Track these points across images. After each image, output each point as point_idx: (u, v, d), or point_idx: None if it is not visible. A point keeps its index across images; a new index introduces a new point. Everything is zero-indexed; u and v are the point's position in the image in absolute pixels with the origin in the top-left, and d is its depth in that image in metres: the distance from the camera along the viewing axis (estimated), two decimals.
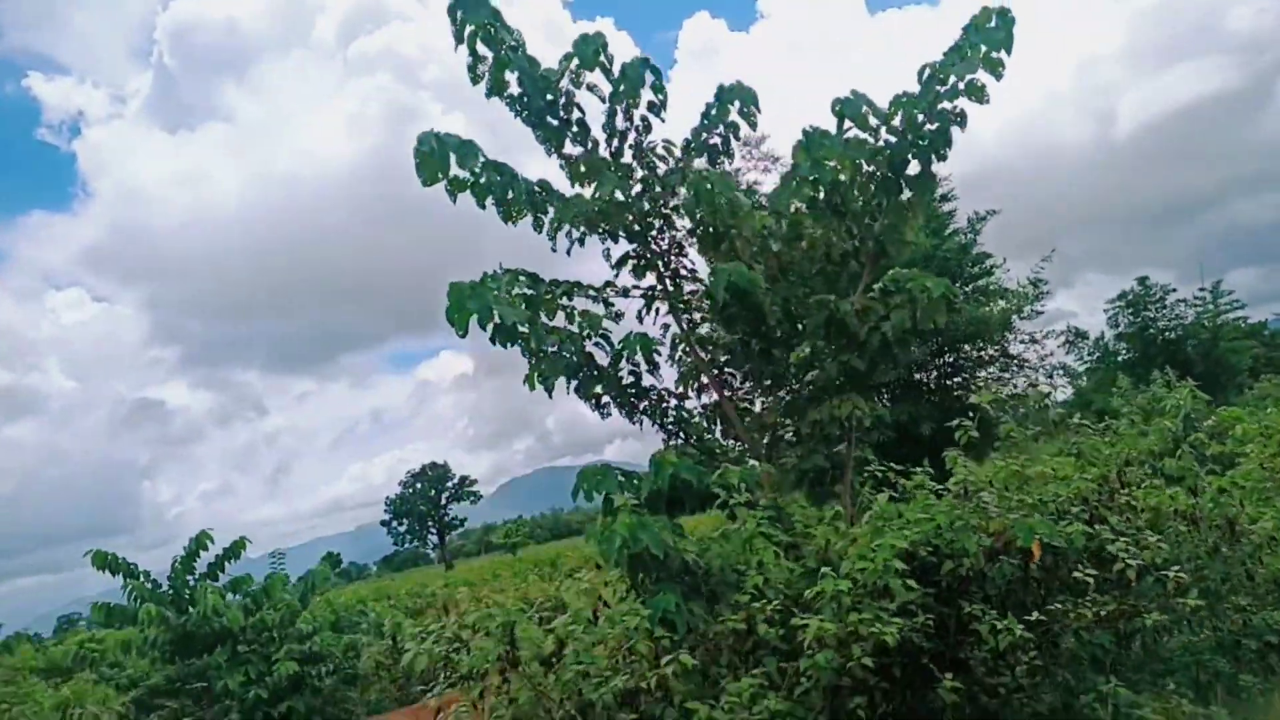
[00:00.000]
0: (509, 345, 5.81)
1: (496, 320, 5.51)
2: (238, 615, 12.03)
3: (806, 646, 4.33)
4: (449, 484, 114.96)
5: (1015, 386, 18.46)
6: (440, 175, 5.94)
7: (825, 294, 6.38)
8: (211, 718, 11.08)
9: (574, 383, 6.18)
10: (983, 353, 18.07)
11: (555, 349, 5.92)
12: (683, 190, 6.37)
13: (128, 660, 11.96)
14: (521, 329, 5.65)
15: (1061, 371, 26.15)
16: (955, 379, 18.21)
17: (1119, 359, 33.04)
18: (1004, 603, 5.19)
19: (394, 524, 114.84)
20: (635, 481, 5.55)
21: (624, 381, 6.24)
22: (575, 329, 6.02)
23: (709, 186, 5.81)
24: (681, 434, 6.36)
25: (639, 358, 6.06)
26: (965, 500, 5.22)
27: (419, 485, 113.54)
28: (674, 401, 6.42)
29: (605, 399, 6.24)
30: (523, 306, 5.89)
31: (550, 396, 6.22)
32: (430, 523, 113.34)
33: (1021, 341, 19.17)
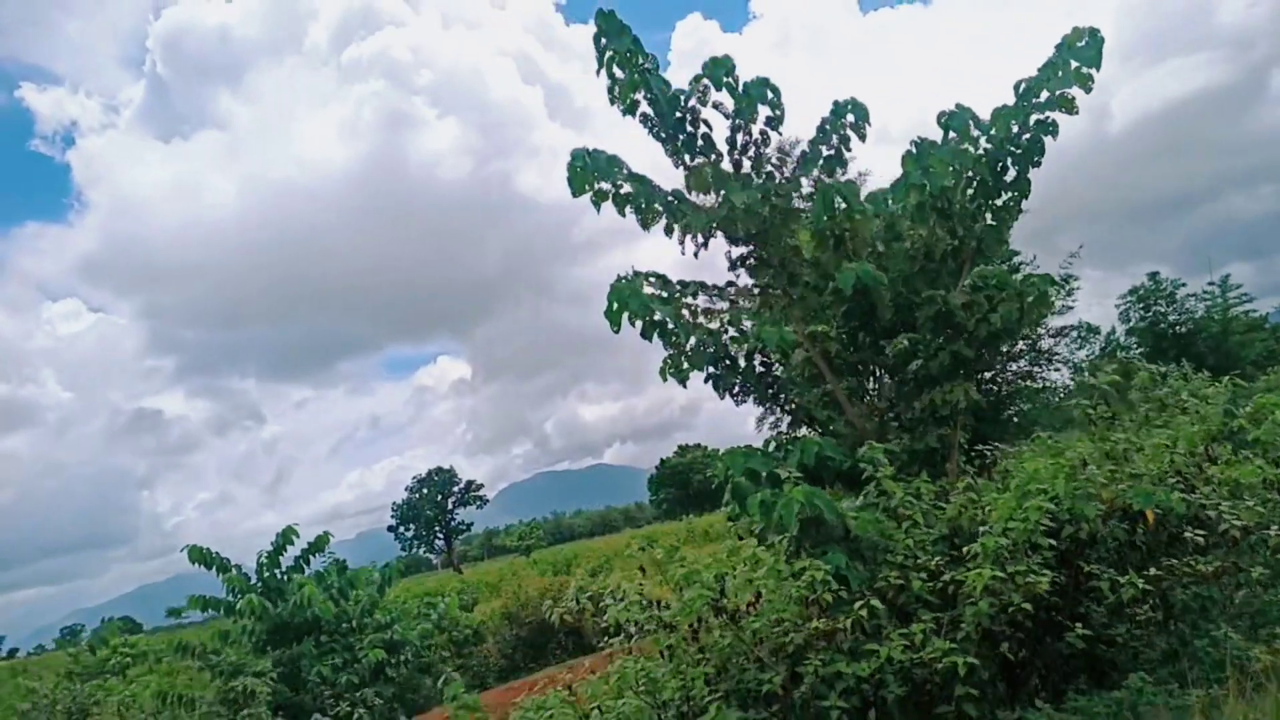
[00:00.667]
0: (652, 338, 6.45)
1: (651, 317, 6.16)
2: (328, 606, 12.64)
3: (967, 596, 4.96)
4: (455, 488, 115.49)
5: (1046, 380, 19.16)
6: (588, 187, 6.59)
7: (923, 290, 7.04)
8: (308, 703, 11.67)
9: (710, 373, 6.81)
10: (1013, 347, 18.74)
11: (697, 343, 6.54)
12: (798, 197, 7.02)
13: (225, 649, 12.54)
14: (669, 325, 6.27)
15: (1078, 366, 26.89)
16: (986, 373, 18.88)
17: (1129, 353, 33.78)
18: (1116, 562, 5.83)
19: (401, 529, 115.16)
20: (778, 459, 6.17)
21: (757, 372, 6.87)
22: (714, 325, 6.63)
23: (833, 194, 6.43)
24: (806, 419, 6.99)
25: (772, 350, 6.68)
26: (1080, 471, 5.85)
27: (425, 490, 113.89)
28: (795, 390, 7.05)
29: (737, 388, 6.88)
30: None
31: (685, 387, 6.88)
32: (437, 527, 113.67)
33: (1051, 336, 19.88)
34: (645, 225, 6.81)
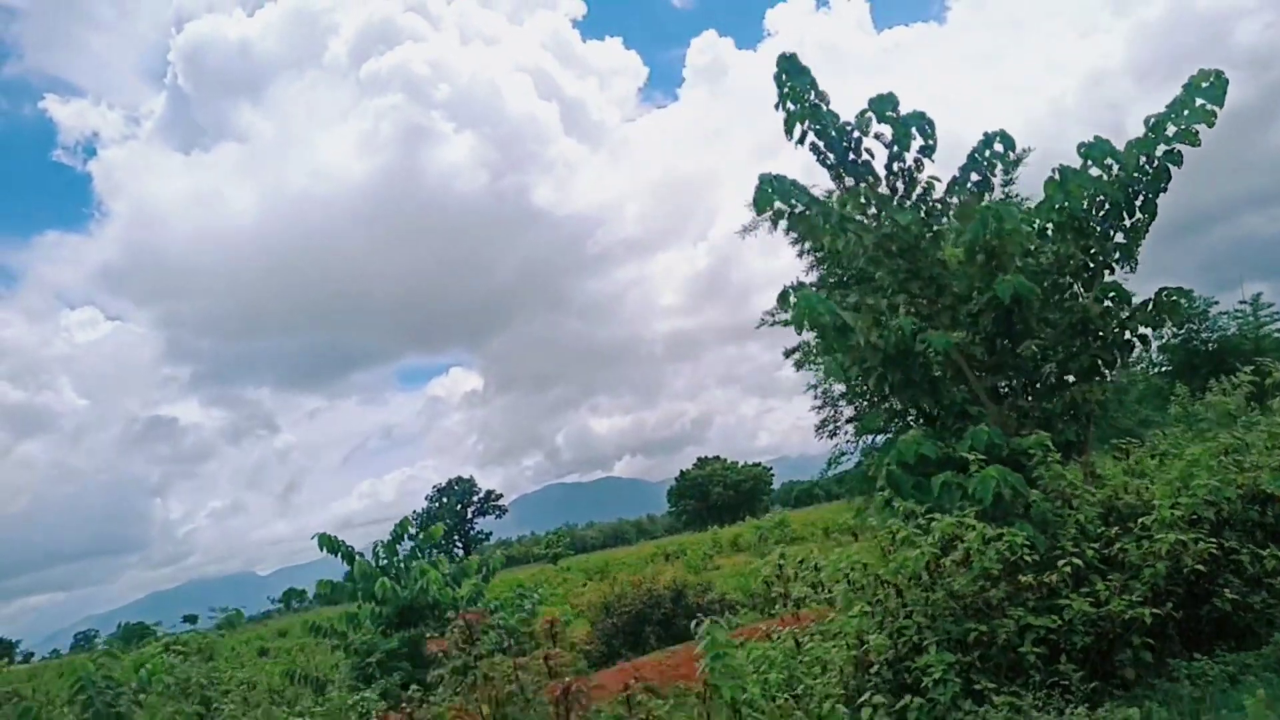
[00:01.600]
0: (834, 342, 7.34)
1: (839, 322, 7.05)
2: (447, 591, 13.51)
3: (1138, 563, 5.80)
4: (474, 498, 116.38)
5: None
6: (769, 207, 7.50)
7: (1055, 300, 7.92)
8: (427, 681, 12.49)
9: (876, 370, 7.66)
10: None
11: (868, 345, 7.40)
12: (948, 217, 7.91)
13: (352, 632, 13.42)
14: (852, 327, 7.15)
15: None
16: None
17: (1160, 370, 34.36)
18: (1248, 539, 6.64)
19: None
20: (941, 446, 7.02)
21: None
22: (888, 331, 7.48)
23: (991, 214, 7.30)
24: (960, 414, 7.82)
25: (935, 354, 7.52)
26: (1224, 459, 6.70)
27: (445, 500, 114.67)
28: (945, 388, 7.89)
29: (900, 385, 7.74)
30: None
31: (847, 386, 7.75)
32: (456, 536, 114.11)
33: None
34: (817, 242, 7.70)
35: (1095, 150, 7.58)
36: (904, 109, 7.87)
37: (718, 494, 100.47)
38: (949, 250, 7.98)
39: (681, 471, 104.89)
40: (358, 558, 13.64)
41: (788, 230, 7.73)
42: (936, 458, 6.97)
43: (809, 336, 20.14)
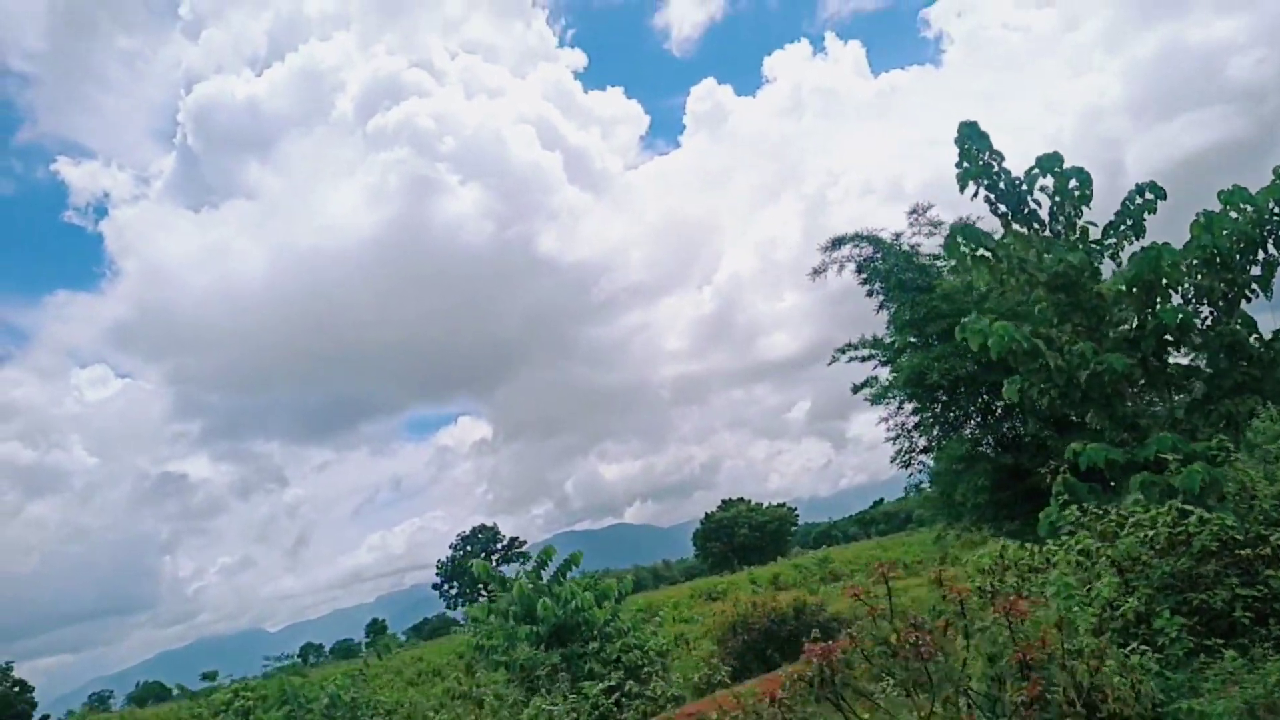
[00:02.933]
0: (1023, 365, 8.54)
1: (1030, 346, 8.26)
2: (595, 611, 14.55)
3: None
4: (498, 545, 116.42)
5: None
6: (956, 253, 8.78)
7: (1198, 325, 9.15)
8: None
9: (1053, 389, 8.86)
10: None
11: (1055, 368, 8.61)
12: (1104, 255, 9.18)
13: (513, 650, 14.42)
14: (1042, 353, 8.37)
15: None
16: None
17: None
18: None
19: (445, 587, 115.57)
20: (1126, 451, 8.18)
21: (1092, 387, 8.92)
22: (1070, 355, 8.68)
23: (1155, 253, 8.57)
24: (1130, 426, 9.00)
25: (1112, 374, 8.72)
26: None
27: (470, 547, 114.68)
28: (1108, 404, 9.08)
29: (1075, 401, 8.93)
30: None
31: (1018, 402, 8.92)
32: (481, 585, 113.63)
33: None
34: (999, 280, 8.96)
35: (1233, 197, 8.88)
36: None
37: (743, 535, 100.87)
38: (1104, 285, 9.24)
39: (706, 514, 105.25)
40: (517, 580, 14.73)
41: (979, 270, 8.96)
42: (1123, 462, 8.11)
43: (882, 372, 21.55)
